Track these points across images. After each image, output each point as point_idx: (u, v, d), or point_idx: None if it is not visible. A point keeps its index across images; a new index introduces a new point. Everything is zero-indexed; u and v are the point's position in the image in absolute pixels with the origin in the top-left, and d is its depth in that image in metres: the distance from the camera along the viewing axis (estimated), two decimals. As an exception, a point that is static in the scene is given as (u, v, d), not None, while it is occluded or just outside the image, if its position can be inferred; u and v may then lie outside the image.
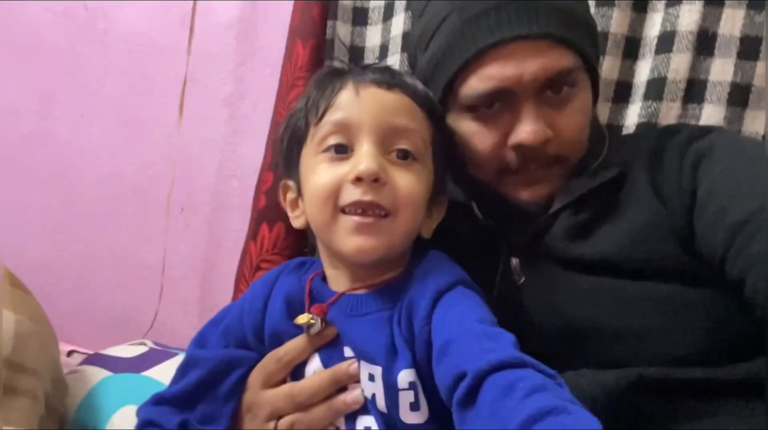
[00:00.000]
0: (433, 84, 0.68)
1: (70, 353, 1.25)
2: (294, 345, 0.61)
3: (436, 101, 0.67)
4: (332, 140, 0.58)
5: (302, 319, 0.59)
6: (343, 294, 0.61)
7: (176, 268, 1.34)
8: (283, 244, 1.04)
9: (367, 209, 0.57)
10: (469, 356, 0.48)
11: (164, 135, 1.32)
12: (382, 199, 0.56)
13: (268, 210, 1.04)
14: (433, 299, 0.55)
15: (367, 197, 0.56)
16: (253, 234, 1.06)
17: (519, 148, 0.64)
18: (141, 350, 1.03)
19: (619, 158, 0.68)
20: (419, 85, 0.64)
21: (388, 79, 0.61)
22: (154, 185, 1.34)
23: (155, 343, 1.09)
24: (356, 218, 0.56)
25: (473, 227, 0.73)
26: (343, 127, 0.58)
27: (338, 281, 0.63)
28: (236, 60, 1.25)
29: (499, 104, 0.64)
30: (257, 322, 0.64)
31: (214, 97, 1.28)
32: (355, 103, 0.59)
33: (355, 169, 0.56)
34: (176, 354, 1.03)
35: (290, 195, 0.66)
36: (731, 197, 0.58)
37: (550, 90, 0.64)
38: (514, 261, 0.68)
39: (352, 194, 0.56)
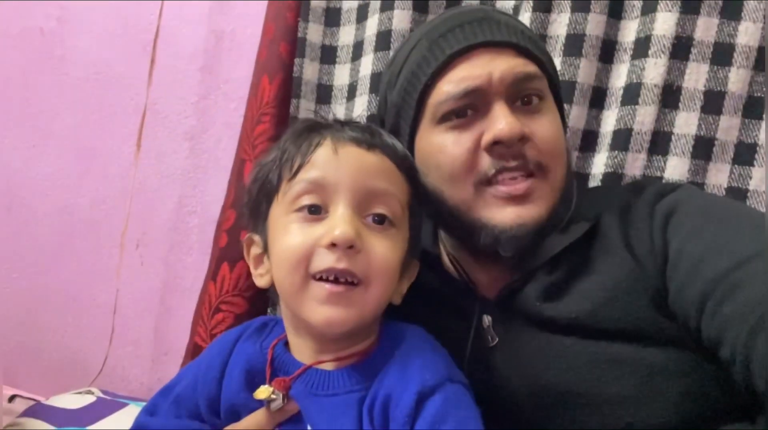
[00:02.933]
0: (405, 105, 0.67)
1: (12, 398, 1.18)
2: (252, 421, 0.57)
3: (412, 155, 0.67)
4: (306, 200, 0.55)
5: (262, 393, 0.55)
6: (308, 368, 0.57)
7: (129, 308, 1.28)
8: (245, 285, 1.00)
9: (339, 277, 0.53)
10: None
11: (120, 168, 1.27)
12: (356, 267, 0.53)
13: (229, 249, 1.01)
14: (418, 395, 0.51)
15: (341, 265, 0.53)
16: (212, 274, 1.02)
17: (495, 147, 0.61)
18: (88, 400, 0.98)
19: (589, 212, 0.67)
20: (399, 146, 0.62)
21: (368, 138, 0.58)
22: (109, 220, 1.29)
23: (104, 391, 1.03)
24: (327, 287, 0.53)
25: (443, 280, 0.71)
26: (318, 187, 0.55)
27: (302, 351, 0.59)
28: (199, 92, 1.22)
29: (471, 112, 0.63)
30: (212, 393, 0.59)
31: (175, 130, 1.24)
32: (332, 162, 0.56)
33: (330, 234, 0.53)
34: (126, 405, 0.97)
35: (255, 250, 0.62)
36: (701, 257, 0.57)
37: (520, 101, 0.64)
38: (486, 320, 0.66)
39: (325, 261, 0.53)
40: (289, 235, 0.55)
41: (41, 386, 1.22)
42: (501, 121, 0.61)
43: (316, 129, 0.60)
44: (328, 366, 0.57)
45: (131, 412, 0.93)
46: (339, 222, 0.53)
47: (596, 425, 0.57)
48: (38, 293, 1.34)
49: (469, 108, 0.63)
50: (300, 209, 0.55)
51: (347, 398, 0.54)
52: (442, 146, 0.64)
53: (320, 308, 0.53)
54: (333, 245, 0.53)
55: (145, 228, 1.27)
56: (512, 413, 0.62)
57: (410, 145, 0.69)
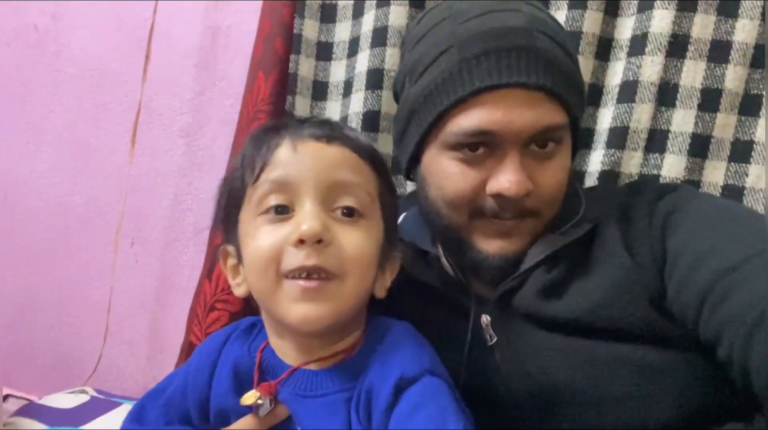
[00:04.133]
0: (420, 116, 0.66)
1: (5, 398, 1.17)
2: (242, 425, 0.56)
3: (422, 133, 0.66)
4: (272, 201, 0.54)
5: (249, 398, 0.54)
6: (295, 370, 0.56)
7: (124, 306, 1.27)
8: (240, 283, 0.99)
9: (311, 273, 0.52)
10: None
11: (115, 165, 1.26)
12: (328, 261, 0.52)
13: (224, 247, 1.00)
14: (396, 388, 0.51)
15: (311, 261, 0.51)
16: (208, 272, 1.01)
17: (497, 196, 0.62)
18: (81, 399, 0.97)
19: (589, 214, 0.67)
20: (362, 138, 0.61)
21: (327, 132, 0.57)
22: (103, 217, 1.28)
23: (98, 390, 1.03)
24: (300, 283, 0.52)
25: (440, 278, 0.71)
26: (282, 186, 0.54)
27: (287, 353, 0.58)
28: (195, 89, 1.21)
29: (483, 149, 0.62)
30: (203, 397, 0.58)
31: (170, 127, 1.23)
32: (293, 160, 0.55)
33: (297, 231, 0.52)
34: (120, 404, 0.97)
35: (230, 261, 0.61)
36: (699, 257, 0.57)
37: (535, 143, 0.62)
38: (485, 319, 0.65)
39: (294, 259, 0.52)
40: (258, 238, 0.54)
41: (35, 385, 1.20)
42: (509, 177, 0.60)
43: (274, 130, 0.59)
44: (314, 366, 0.56)
45: (125, 411, 0.92)
46: (305, 217, 0.52)
47: (594, 424, 0.57)
48: (32, 291, 1.33)
49: (482, 145, 0.62)
50: (267, 211, 0.55)
51: (336, 398, 0.53)
52: (449, 174, 0.64)
53: (295, 305, 0.52)
54: (301, 242, 0.52)
55: (140, 225, 1.26)
56: (510, 412, 0.62)
57: (417, 152, 0.68)
